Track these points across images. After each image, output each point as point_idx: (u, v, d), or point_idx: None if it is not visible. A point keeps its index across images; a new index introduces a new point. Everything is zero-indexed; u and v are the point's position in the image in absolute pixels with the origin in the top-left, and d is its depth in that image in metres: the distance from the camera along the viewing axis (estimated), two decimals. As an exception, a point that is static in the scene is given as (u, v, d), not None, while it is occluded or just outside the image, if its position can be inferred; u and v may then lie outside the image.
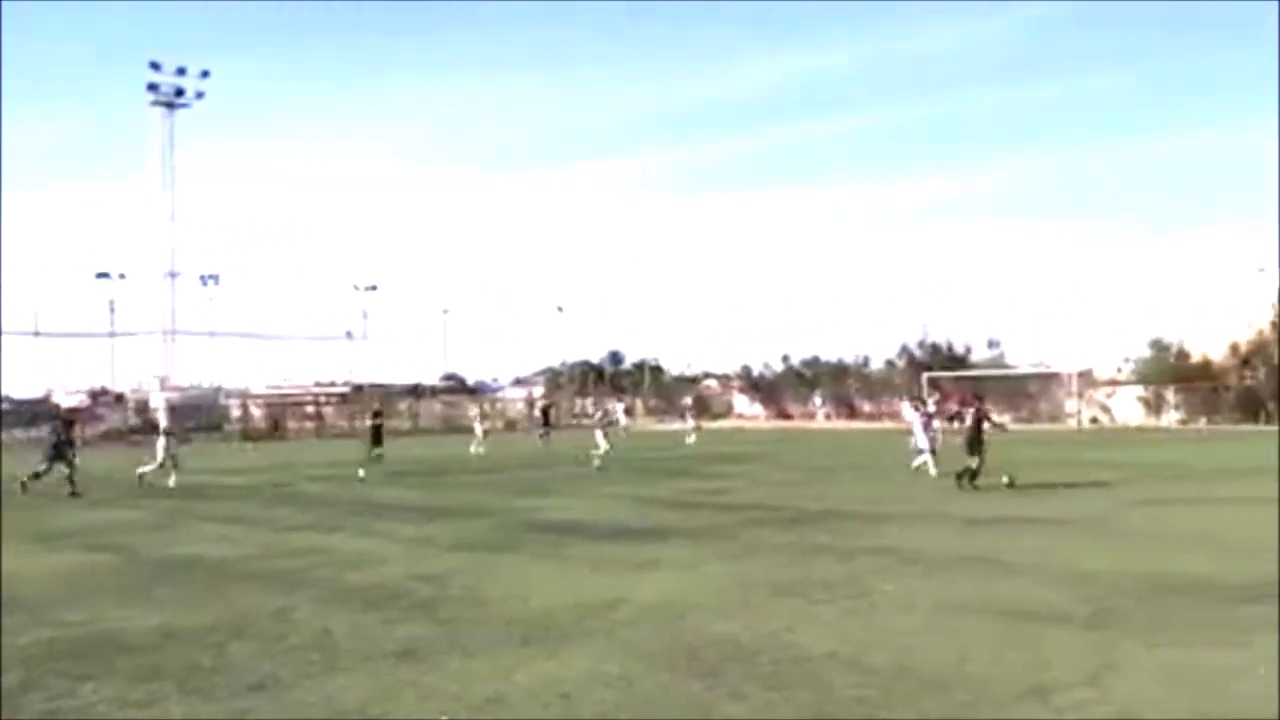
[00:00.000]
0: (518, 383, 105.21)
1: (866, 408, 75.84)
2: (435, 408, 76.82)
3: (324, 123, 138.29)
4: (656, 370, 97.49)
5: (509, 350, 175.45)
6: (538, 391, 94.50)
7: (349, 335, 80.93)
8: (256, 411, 72.12)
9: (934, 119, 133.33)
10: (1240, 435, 44.76)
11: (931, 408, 27.96)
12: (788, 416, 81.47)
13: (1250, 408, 61.45)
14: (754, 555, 13.36)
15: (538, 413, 48.48)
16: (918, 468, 24.99)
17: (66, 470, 24.55)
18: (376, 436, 35.25)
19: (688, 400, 58.77)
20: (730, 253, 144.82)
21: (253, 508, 21.58)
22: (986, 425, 22.40)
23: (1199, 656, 7.83)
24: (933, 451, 24.97)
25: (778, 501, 20.12)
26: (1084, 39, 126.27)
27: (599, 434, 32.61)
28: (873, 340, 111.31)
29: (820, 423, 74.05)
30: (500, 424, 70.56)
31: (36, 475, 24.63)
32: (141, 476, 26.38)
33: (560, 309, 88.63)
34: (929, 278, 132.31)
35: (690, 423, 46.54)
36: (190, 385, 71.15)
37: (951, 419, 26.16)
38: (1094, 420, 62.25)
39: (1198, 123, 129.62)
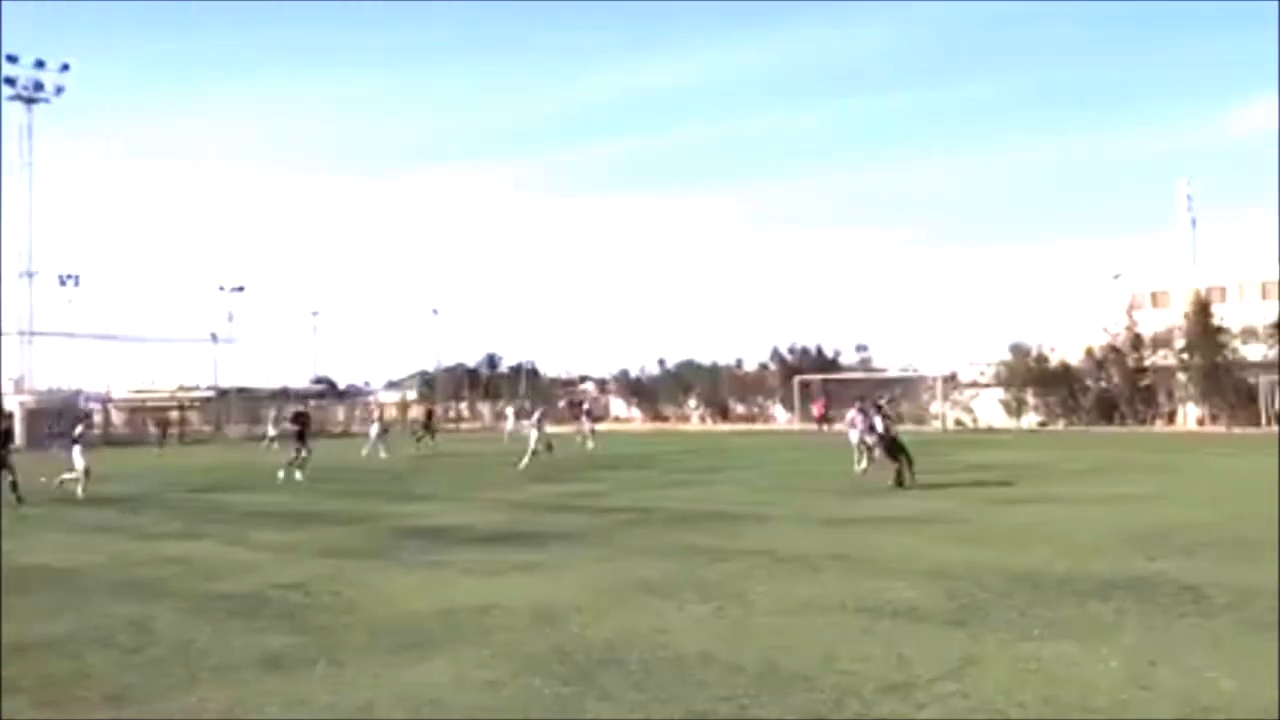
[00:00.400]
0: (391, 386, 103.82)
1: (740, 409, 76.76)
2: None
3: (190, 119, 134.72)
4: (533, 373, 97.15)
5: (381, 353, 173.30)
6: (411, 395, 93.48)
7: (214, 338, 78.82)
8: (118, 416, 69.85)
9: (807, 128, 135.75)
10: (1095, 437, 46.43)
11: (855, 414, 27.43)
12: (663, 419, 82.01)
13: (1105, 410, 63.86)
14: (629, 557, 13.40)
15: (419, 417, 47.99)
16: (863, 470, 25.52)
17: None
18: (301, 437, 32.45)
19: (585, 404, 58.56)
20: (606, 257, 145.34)
21: (113, 514, 20.89)
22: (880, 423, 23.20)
23: (1054, 650, 8.09)
24: (870, 450, 25.45)
25: (654, 504, 20.23)
26: (947, 51, 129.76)
27: (533, 434, 33.01)
28: (746, 344, 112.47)
29: (695, 425, 74.65)
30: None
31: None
32: (63, 483, 25.45)
33: (435, 311, 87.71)
34: (801, 283, 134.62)
35: (587, 425, 46.42)
36: (49, 389, 68.52)
37: (819, 422, 27.03)
38: (958, 422, 63.94)
39: (1058, 134, 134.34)
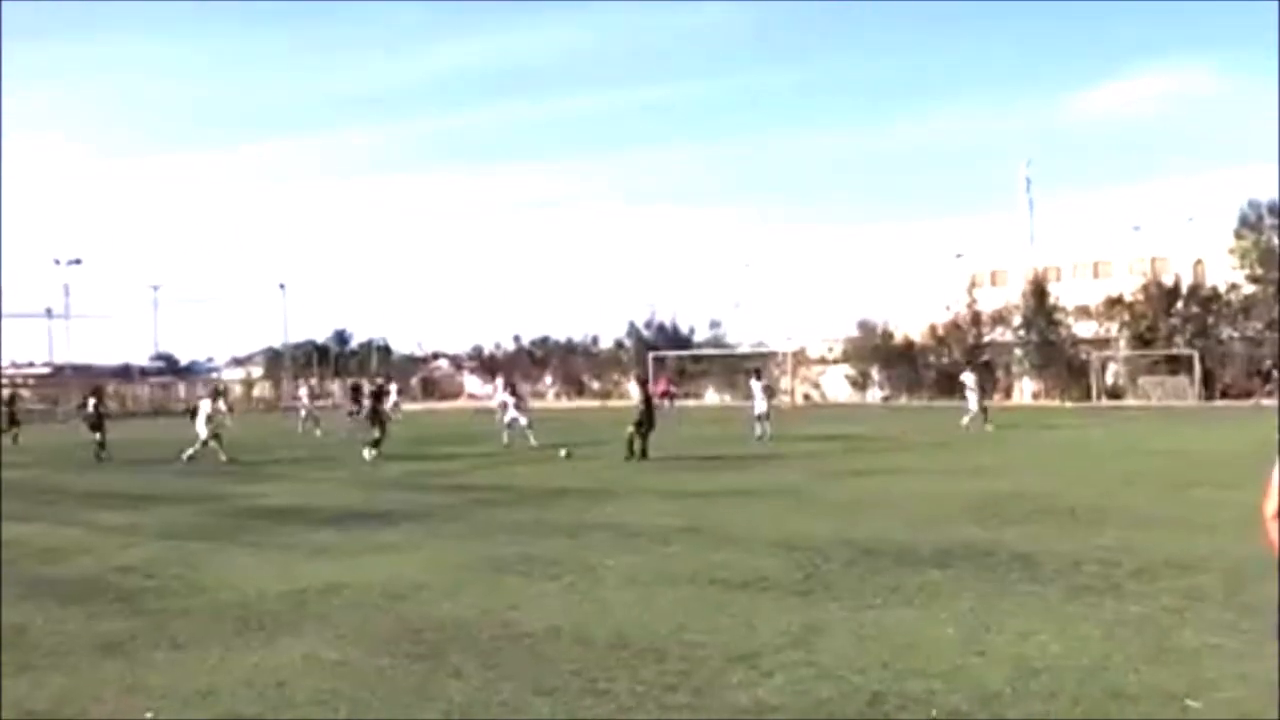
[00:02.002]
0: (235, 363, 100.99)
1: (595, 386, 76.99)
2: (143, 390, 72.79)
3: (26, 88, 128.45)
4: (385, 350, 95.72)
5: (226, 329, 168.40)
6: (256, 372, 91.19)
7: (49, 313, 75.54)
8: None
9: (662, 104, 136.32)
10: (937, 411, 47.87)
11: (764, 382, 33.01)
12: (518, 396, 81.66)
13: (947, 385, 65.88)
14: (480, 535, 13.35)
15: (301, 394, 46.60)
16: (759, 436, 28.99)
17: None
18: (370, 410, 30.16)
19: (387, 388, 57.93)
20: (459, 231, 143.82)
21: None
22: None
23: (895, 617, 8.36)
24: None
25: (507, 481, 20.18)
26: (794, 30, 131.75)
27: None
28: (601, 320, 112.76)
29: (550, 402, 74.56)
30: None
31: None
32: None
33: (282, 286, 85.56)
34: (656, 260, 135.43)
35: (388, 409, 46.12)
36: None
37: (664, 397, 28.17)
38: (806, 397, 65.26)
39: (903, 117, 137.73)
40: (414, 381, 72.79)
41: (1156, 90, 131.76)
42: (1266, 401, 30.72)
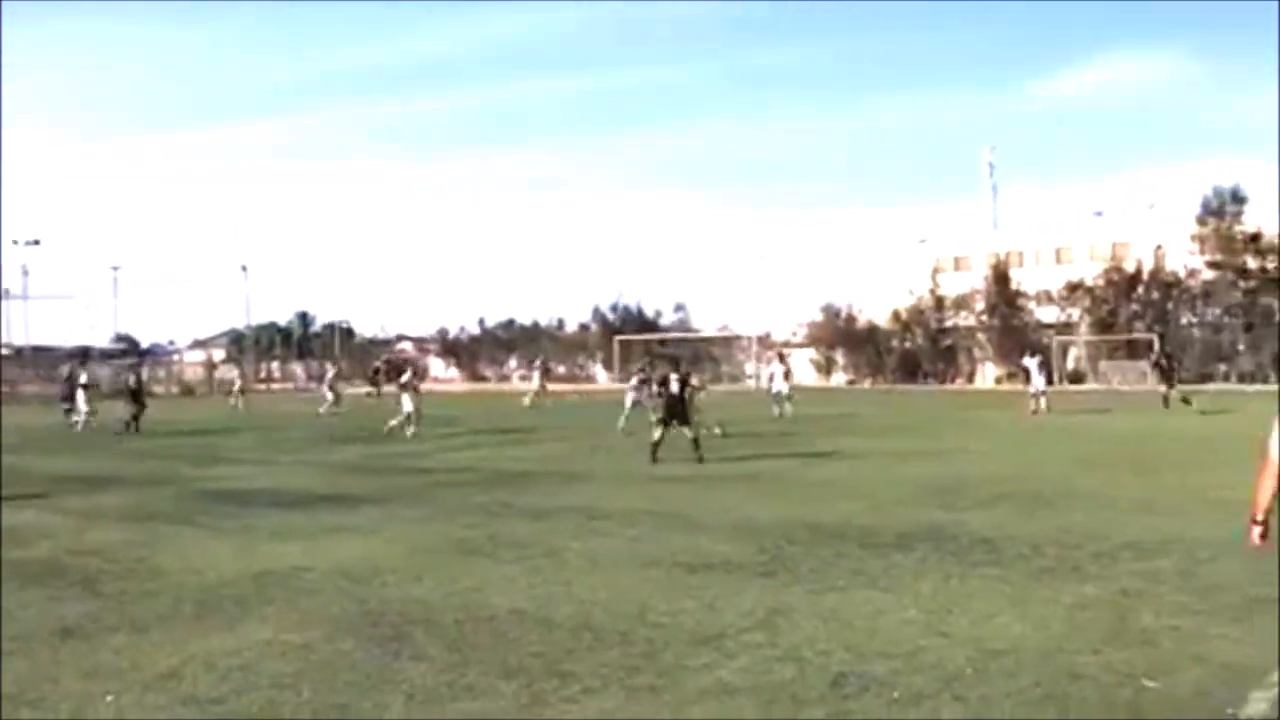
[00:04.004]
0: (197, 345, 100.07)
1: (561, 370, 76.93)
2: (103, 371, 72.00)
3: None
4: (348, 333, 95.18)
5: (188, 311, 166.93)
6: (219, 354, 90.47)
7: (8, 293, 74.59)
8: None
9: (627, 88, 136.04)
10: (900, 394, 48.14)
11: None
12: (483, 380, 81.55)
13: (909, 369, 66.37)
14: (445, 517, 13.31)
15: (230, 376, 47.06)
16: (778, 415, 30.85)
17: None
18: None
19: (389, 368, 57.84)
20: (423, 214, 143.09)
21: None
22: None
23: (858, 599, 8.41)
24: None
25: (472, 463, 20.14)
26: (757, 16, 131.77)
27: (405, 397, 29.91)
28: (567, 304, 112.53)
29: (515, 385, 74.38)
30: (175, 389, 67.21)
31: None
32: None
33: (244, 268, 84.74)
34: (622, 244, 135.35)
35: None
36: None
37: (643, 384, 27.61)
38: (770, 379, 65.43)
39: (868, 102, 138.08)
40: (378, 364, 72.36)
41: (1119, 78, 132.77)
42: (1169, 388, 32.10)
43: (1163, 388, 33.69)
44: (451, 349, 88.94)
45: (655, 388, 20.92)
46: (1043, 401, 32.89)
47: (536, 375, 45.73)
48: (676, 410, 19.67)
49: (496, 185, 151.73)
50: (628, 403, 28.07)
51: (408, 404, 28.23)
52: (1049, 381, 34.79)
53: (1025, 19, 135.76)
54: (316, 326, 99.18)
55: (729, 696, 6.11)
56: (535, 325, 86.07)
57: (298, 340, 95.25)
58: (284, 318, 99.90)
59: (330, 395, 38.90)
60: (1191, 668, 6.42)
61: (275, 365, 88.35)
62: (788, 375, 35.81)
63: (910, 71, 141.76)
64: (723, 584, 9.06)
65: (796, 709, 5.89)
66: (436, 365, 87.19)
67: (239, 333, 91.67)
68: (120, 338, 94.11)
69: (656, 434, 19.57)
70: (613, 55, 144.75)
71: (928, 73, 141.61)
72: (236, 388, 49.58)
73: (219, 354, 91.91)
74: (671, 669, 6.62)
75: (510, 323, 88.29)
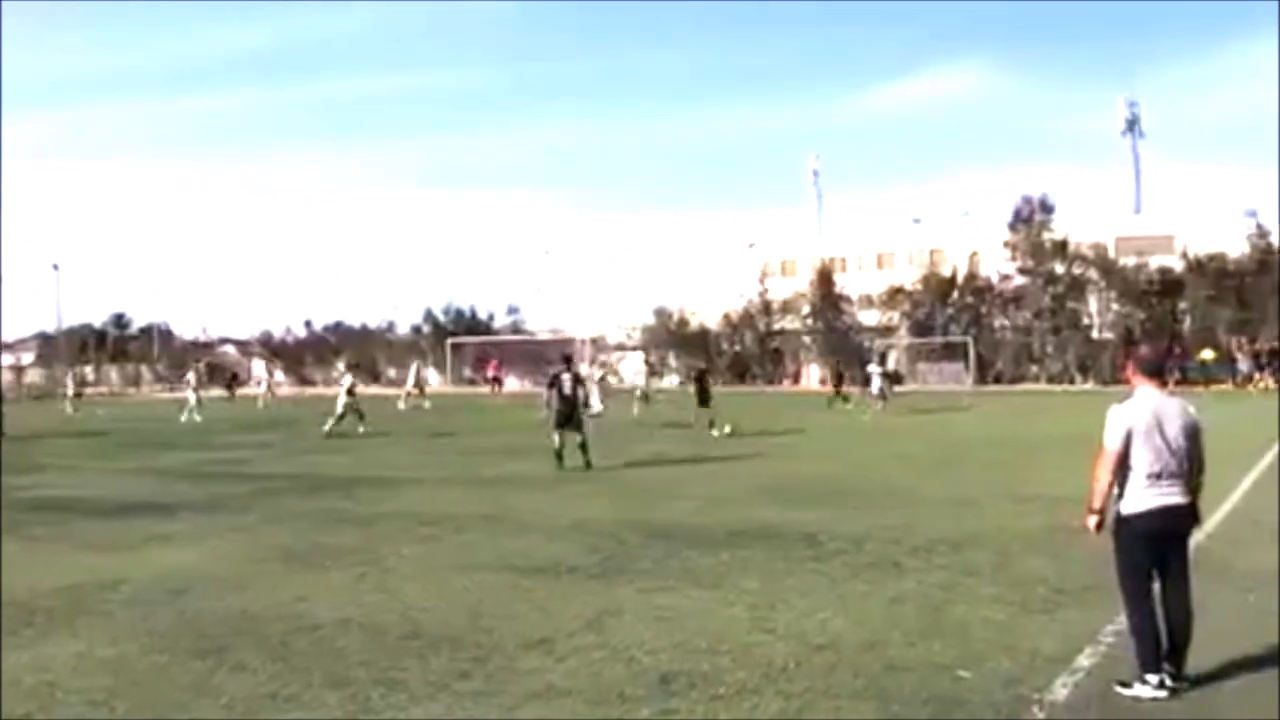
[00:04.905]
0: (3, 348, 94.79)
1: (391, 373, 75.69)
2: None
3: None
4: (167, 335, 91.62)
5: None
6: (27, 358, 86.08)
7: None
8: None
9: (457, 88, 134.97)
10: (730, 396, 48.97)
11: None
12: (310, 383, 79.66)
13: (739, 370, 67.63)
14: (270, 525, 12.96)
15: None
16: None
17: None
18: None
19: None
20: (246, 215, 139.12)
21: None
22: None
23: (687, 598, 8.53)
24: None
25: (299, 470, 19.67)
26: (589, 20, 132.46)
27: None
28: (398, 306, 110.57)
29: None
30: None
31: None
32: None
33: (56, 267, 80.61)
34: (454, 246, 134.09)
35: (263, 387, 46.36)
36: None
37: (491, 383, 27.55)
38: (602, 380, 65.69)
39: (701, 110, 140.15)
40: (200, 367, 69.98)
41: (937, 90, 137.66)
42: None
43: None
44: (277, 351, 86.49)
45: (546, 390, 19.12)
46: (880, 405, 34.43)
47: (412, 376, 45.58)
48: (570, 413, 18.55)
49: (325, 184, 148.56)
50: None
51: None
52: (880, 387, 36.06)
53: (850, 31, 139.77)
54: (133, 329, 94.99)
55: (558, 698, 6.13)
56: (364, 328, 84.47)
57: (113, 343, 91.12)
58: (99, 319, 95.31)
59: (194, 399, 37.54)
60: (1002, 657, 6.72)
61: (89, 369, 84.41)
62: (651, 375, 37.18)
63: (740, 80, 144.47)
64: (554, 586, 9.07)
65: (625, 708, 5.94)
66: (261, 368, 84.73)
67: (49, 335, 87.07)
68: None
69: (556, 439, 18.45)
70: (445, 54, 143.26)
71: (756, 81, 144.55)
72: (71, 392, 48.26)
73: (28, 357, 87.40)
74: (501, 673, 6.60)
75: (338, 325, 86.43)
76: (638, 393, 34.29)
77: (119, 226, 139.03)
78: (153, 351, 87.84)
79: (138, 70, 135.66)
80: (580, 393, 18.81)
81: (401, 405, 41.32)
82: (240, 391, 57.07)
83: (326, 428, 27.32)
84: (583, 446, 18.29)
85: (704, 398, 27.23)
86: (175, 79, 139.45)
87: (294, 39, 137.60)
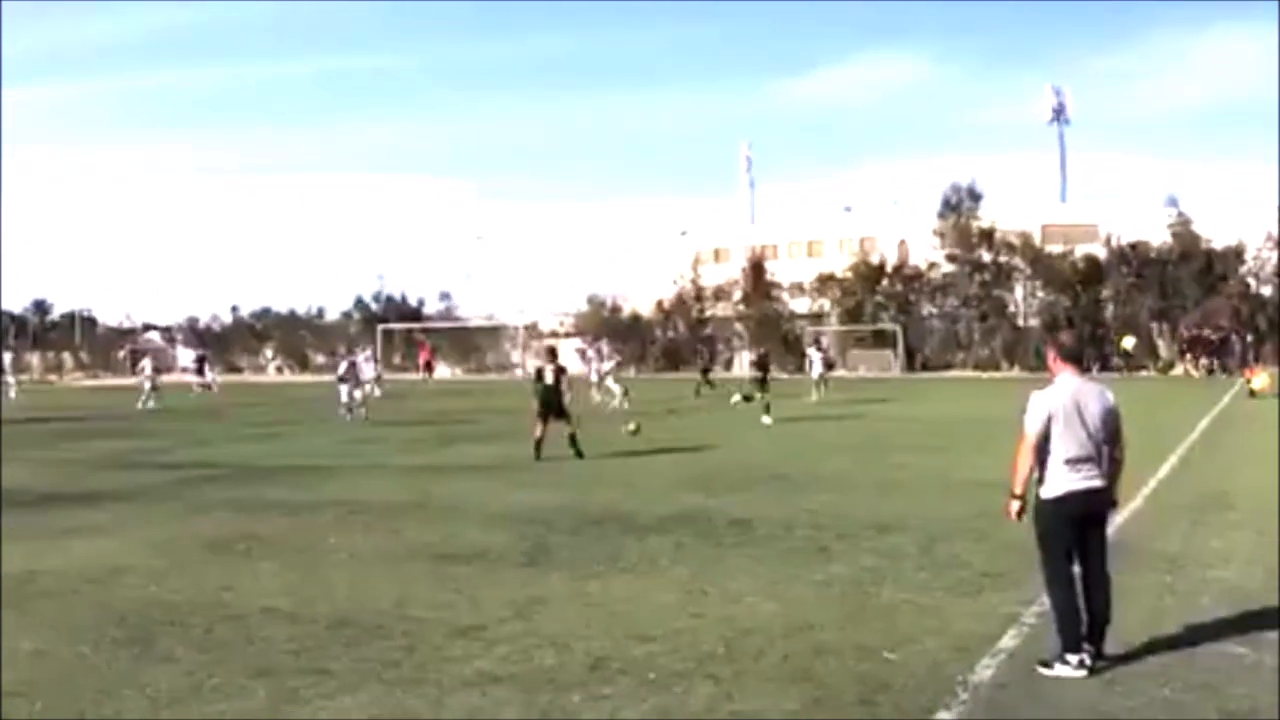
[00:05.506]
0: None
1: (320, 360, 74.95)
2: None
3: None
4: (89, 322, 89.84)
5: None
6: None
7: None
8: None
9: (379, 69, 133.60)
10: (664, 383, 49.10)
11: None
12: (237, 370, 78.60)
13: (672, 358, 67.78)
14: (194, 514, 12.75)
15: None
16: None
17: None
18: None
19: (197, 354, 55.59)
20: (170, 199, 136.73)
21: None
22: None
23: (617, 584, 8.55)
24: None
25: (223, 458, 19.40)
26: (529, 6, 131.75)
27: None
28: (327, 292, 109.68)
29: (272, 376, 72.07)
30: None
31: None
32: None
33: (-27, 253, 78.59)
34: (385, 231, 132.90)
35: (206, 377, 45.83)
36: None
37: (425, 368, 27.41)
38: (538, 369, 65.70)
39: (634, 96, 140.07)
40: (120, 355, 68.67)
41: (869, 79, 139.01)
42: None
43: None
44: (202, 338, 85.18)
45: (534, 380, 18.66)
46: (822, 389, 35.57)
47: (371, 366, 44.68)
48: (552, 403, 18.04)
49: (250, 169, 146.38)
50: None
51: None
52: (821, 370, 36.95)
53: (779, 19, 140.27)
54: (55, 315, 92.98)
55: (489, 685, 6.11)
56: (293, 314, 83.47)
57: (33, 330, 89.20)
58: (19, 306, 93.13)
59: (149, 386, 36.55)
60: (928, 640, 6.82)
61: (8, 356, 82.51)
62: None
63: (673, 67, 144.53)
64: (484, 574, 9.04)
65: (556, 694, 5.94)
66: (185, 355, 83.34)
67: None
68: None
69: (537, 431, 17.82)
70: (378, 35, 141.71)
71: (689, 68, 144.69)
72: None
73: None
74: (431, 661, 6.57)
75: (265, 311, 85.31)
76: (594, 378, 34.32)
77: (39, 212, 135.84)
78: (75, 338, 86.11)
79: (54, 49, 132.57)
80: (564, 384, 18.31)
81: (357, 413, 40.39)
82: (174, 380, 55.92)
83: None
84: (572, 438, 17.96)
85: (763, 382, 26.91)
86: (95, 57, 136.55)
87: (218, 17, 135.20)
